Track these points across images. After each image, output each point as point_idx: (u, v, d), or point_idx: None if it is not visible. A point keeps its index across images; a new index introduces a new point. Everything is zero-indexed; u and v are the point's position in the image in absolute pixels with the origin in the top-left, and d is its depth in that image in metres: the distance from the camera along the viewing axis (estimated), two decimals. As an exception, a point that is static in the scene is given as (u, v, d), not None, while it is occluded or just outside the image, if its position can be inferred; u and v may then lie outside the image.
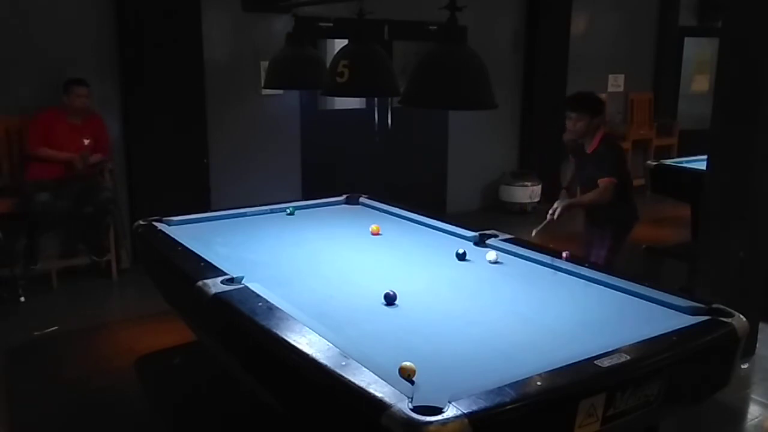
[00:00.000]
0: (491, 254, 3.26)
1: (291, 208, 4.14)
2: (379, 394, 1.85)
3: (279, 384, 2.37)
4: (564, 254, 3.18)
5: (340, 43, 3.83)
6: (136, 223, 3.77)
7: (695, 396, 2.53)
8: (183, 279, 2.91)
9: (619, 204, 4.11)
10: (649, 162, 6.59)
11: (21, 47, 5.18)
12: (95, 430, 3.36)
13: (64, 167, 5.06)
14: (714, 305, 2.55)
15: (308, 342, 2.20)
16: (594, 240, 4.28)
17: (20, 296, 4.87)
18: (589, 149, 4.16)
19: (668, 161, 6.63)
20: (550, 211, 3.53)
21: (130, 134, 5.65)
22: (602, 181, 3.97)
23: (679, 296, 2.67)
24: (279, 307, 2.49)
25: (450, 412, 1.76)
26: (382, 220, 3.96)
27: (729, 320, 2.44)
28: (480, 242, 3.50)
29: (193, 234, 3.54)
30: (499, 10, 7.65)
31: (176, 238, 3.39)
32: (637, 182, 6.29)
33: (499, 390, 1.88)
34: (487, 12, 7.23)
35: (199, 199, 5.63)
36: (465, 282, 3.01)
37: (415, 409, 1.77)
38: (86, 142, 5.18)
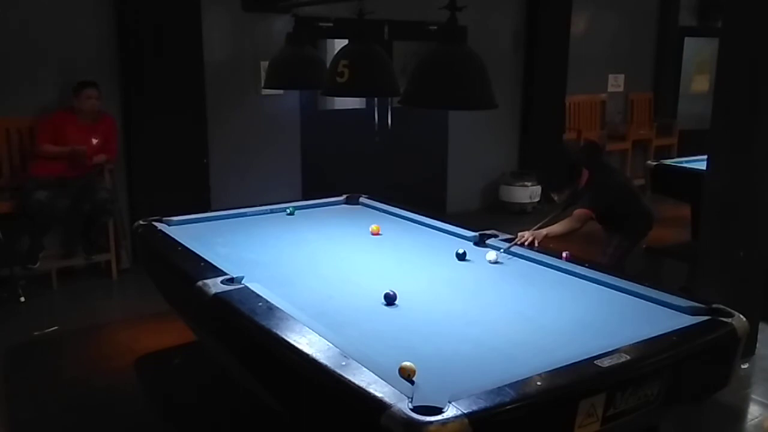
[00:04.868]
0: (491, 254, 3.26)
1: (291, 208, 4.14)
2: (379, 394, 1.85)
3: (279, 384, 2.37)
4: (564, 254, 3.18)
5: (340, 43, 3.83)
6: (136, 223, 3.77)
7: (695, 396, 2.53)
8: (183, 279, 2.91)
9: (626, 219, 4.25)
10: (649, 162, 6.59)
11: (20, 48, 5.17)
12: (95, 430, 3.36)
13: (67, 166, 5.06)
14: (714, 305, 2.55)
15: (308, 342, 2.20)
16: (605, 243, 4.38)
17: (20, 296, 4.87)
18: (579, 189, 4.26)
19: (668, 161, 6.64)
20: (519, 240, 3.49)
21: (130, 134, 5.65)
22: (577, 212, 4.02)
23: (679, 296, 2.67)
24: (279, 307, 2.49)
25: (450, 412, 1.76)
26: (382, 220, 3.96)
27: (729, 320, 2.44)
28: (480, 242, 3.50)
29: (193, 234, 3.54)
30: (499, 10, 7.65)
31: (176, 238, 3.40)
32: (638, 182, 6.32)
33: (499, 390, 1.88)
34: (487, 12, 7.23)
35: (199, 199, 5.62)
36: (465, 282, 3.01)
37: (415, 409, 1.77)
38: (95, 142, 5.19)
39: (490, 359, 2.20)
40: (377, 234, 3.67)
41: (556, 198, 4.42)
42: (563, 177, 4.28)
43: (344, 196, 4.44)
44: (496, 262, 3.22)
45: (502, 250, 3.35)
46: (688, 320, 2.48)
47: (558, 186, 4.38)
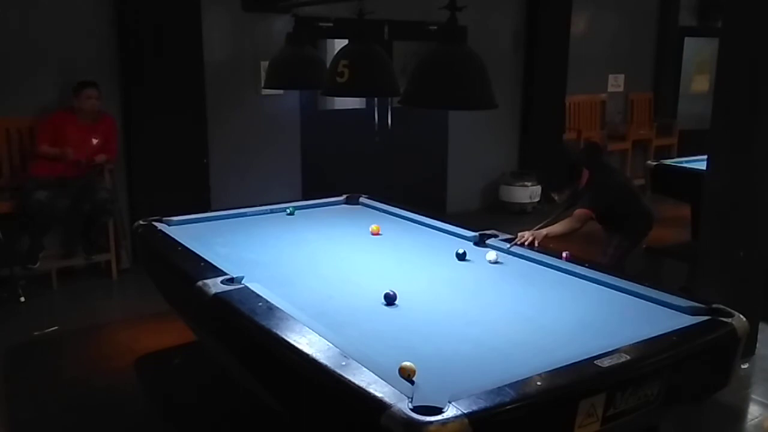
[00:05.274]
0: (491, 254, 3.26)
1: (291, 208, 4.14)
2: (379, 394, 1.85)
3: (279, 384, 2.37)
4: (564, 254, 3.18)
5: (340, 43, 3.83)
6: (136, 223, 3.77)
7: (695, 396, 2.53)
8: (183, 279, 2.91)
9: (626, 219, 4.25)
10: (649, 162, 6.59)
11: (20, 48, 5.17)
12: (95, 430, 3.36)
13: (67, 166, 5.06)
14: (714, 305, 2.55)
15: (308, 342, 2.20)
16: (605, 243, 4.38)
17: (20, 296, 4.87)
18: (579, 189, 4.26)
19: (668, 161, 6.64)
20: (519, 240, 3.49)
21: (130, 134, 5.65)
22: (577, 212, 4.03)
23: (679, 296, 2.67)
24: (279, 307, 2.49)
25: (450, 412, 1.76)
26: (382, 220, 3.96)
27: (729, 320, 2.44)
28: (480, 242, 3.50)
29: (193, 234, 3.54)
30: (499, 10, 7.65)
31: (176, 238, 3.39)
32: (638, 182, 6.32)
33: (499, 390, 1.88)
34: (487, 12, 7.23)
35: (199, 199, 5.62)
36: (465, 282, 3.01)
37: (415, 409, 1.77)
38: (95, 142, 5.19)
39: (490, 359, 2.20)
40: (377, 234, 3.67)
41: (556, 198, 4.42)
42: (563, 177, 4.29)
43: (344, 196, 4.44)
44: (496, 262, 3.22)
45: (507, 248, 3.34)
46: (688, 320, 2.48)
47: (558, 186, 4.38)
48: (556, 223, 4.00)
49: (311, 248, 3.46)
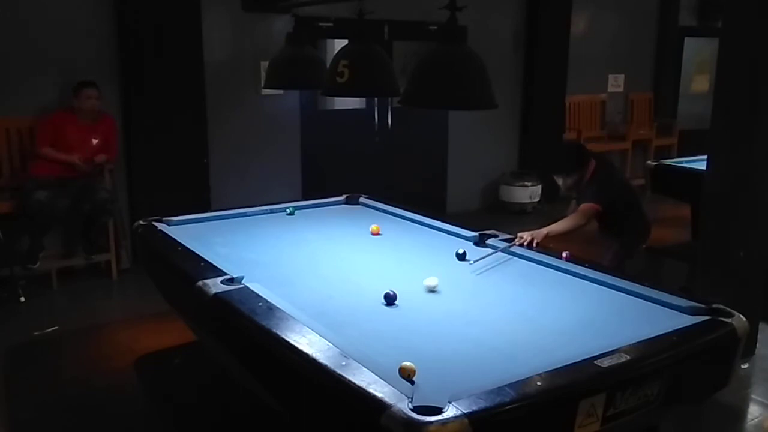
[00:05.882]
0: (431, 280, 2.87)
1: (291, 208, 4.14)
2: (379, 394, 1.85)
3: (279, 384, 2.37)
4: (564, 254, 3.18)
5: (340, 43, 3.84)
6: (136, 223, 3.77)
7: (695, 396, 2.53)
8: (183, 279, 2.91)
9: (626, 219, 4.21)
10: (649, 162, 6.59)
11: (20, 48, 5.17)
12: (95, 430, 3.36)
13: (67, 166, 5.06)
14: (714, 305, 2.55)
15: (308, 342, 2.20)
16: (604, 247, 4.34)
17: (20, 296, 4.87)
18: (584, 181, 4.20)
19: (668, 161, 6.63)
20: (518, 241, 3.46)
21: (130, 134, 5.65)
22: (582, 206, 3.98)
23: (679, 296, 2.67)
24: (279, 307, 2.49)
25: (450, 412, 1.76)
26: (382, 220, 3.95)
27: (729, 320, 2.44)
28: (480, 242, 3.50)
29: (193, 234, 3.54)
30: (499, 10, 7.65)
31: (176, 238, 3.39)
32: (637, 182, 6.33)
33: (499, 390, 1.88)
34: (487, 12, 7.23)
35: (199, 199, 5.62)
36: (465, 282, 3.01)
37: (415, 409, 1.77)
38: (95, 142, 5.19)
39: (490, 359, 2.20)
40: (377, 234, 3.67)
41: (560, 183, 4.25)
42: (570, 160, 4.17)
43: (344, 196, 4.44)
44: (433, 291, 2.84)
45: (471, 262, 3.20)
46: (688, 320, 2.48)
47: (564, 169, 4.19)
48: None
49: (311, 248, 3.46)
